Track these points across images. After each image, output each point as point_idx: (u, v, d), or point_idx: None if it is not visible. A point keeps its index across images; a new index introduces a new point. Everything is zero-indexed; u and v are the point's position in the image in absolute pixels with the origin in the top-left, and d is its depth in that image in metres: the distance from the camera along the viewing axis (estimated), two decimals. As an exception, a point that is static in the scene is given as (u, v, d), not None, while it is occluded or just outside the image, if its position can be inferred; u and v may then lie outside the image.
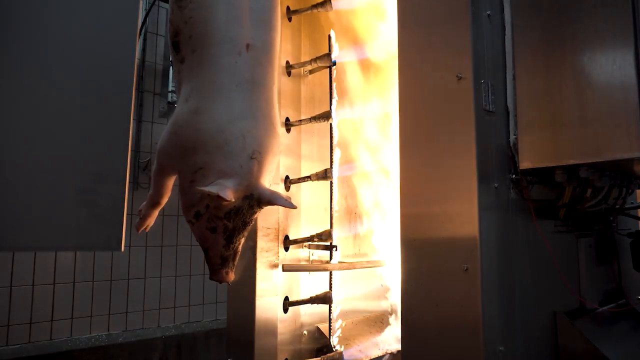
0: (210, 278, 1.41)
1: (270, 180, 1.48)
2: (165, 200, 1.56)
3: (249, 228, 1.42)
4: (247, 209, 1.36)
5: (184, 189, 1.38)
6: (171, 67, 3.69)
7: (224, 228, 1.35)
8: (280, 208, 1.90)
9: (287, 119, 1.97)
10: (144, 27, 3.52)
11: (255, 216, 1.41)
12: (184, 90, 1.43)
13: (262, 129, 1.41)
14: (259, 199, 1.35)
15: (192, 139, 1.34)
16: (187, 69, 1.44)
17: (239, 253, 1.43)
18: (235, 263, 1.42)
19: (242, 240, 1.43)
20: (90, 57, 0.97)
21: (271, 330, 1.81)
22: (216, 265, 1.38)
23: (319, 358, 1.85)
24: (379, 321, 2.17)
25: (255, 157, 1.35)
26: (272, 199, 1.37)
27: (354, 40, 2.16)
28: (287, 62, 2.00)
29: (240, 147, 1.34)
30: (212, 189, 1.26)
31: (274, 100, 1.51)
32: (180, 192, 1.39)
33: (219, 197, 1.25)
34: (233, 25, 1.43)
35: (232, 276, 1.41)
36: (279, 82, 1.95)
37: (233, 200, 1.29)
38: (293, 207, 1.45)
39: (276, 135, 1.46)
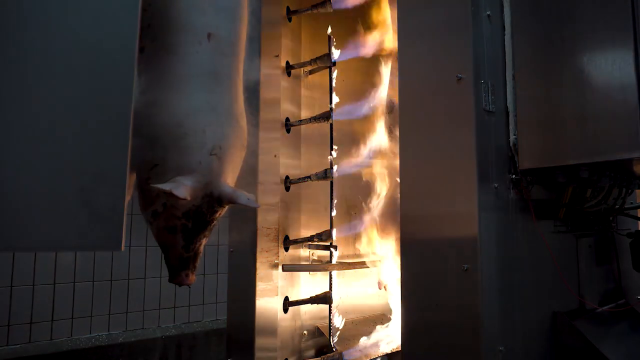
0: (170, 280, 1.33)
1: (235, 177, 1.39)
2: (127, 198, 1.50)
3: (211, 228, 1.34)
4: (208, 208, 1.28)
5: (140, 187, 1.30)
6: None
7: (182, 228, 1.28)
8: (280, 207, 1.90)
9: (287, 119, 1.97)
10: (144, 27, 3.52)
11: (218, 215, 1.33)
12: (141, 82, 1.34)
13: (224, 123, 1.33)
14: (219, 197, 1.28)
15: (148, 134, 1.26)
16: (146, 60, 1.35)
17: (201, 254, 1.36)
18: (197, 265, 1.35)
19: (204, 241, 1.35)
20: (90, 57, 0.96)
21: (271, 330, 1.81)
22: (176, 267, 1.31)
23: (319, 358, 1.85)
24: (378, 321, 2.17)
25: (216, 153, 1.27)
26: (233, 198, 1.28)
27: (353, 40, 2.16)
28: (287, 62, 1.99)
29: (200, 142, 1.26)
30: (166, 186, 1.18)
31: (239, 93, 1.43)
32: (137, 190, 1.32)
33: (172, 195, 1.18)
34: (194, 13, 1.34)
35: (192, 279, 1.33)
36: (278, 83, 1.95)
37: (189, 198, 1.22)
38: (256, 206, 1.37)
39: (240, 129, 1.38)
